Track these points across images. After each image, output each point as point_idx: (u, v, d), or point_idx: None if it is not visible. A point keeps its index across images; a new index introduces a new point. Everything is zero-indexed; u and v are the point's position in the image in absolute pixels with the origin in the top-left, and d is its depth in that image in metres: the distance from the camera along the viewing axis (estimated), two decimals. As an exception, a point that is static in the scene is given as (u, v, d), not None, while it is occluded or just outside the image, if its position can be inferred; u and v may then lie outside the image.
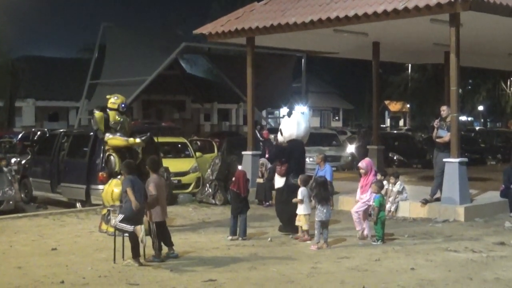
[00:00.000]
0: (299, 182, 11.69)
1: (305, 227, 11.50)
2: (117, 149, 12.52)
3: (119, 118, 12.62)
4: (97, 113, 12.61)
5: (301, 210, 11.50)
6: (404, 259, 9.99)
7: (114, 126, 12.59)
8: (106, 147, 12.75)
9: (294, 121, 12.60)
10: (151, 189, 9.84)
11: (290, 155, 12.45)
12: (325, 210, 10.94)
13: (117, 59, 36.33)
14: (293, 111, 12.87)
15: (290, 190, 12.08)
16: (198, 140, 25.78)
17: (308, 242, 11.28)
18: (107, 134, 12.56)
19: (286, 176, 12.32)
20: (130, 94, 31.30)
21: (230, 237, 11.69)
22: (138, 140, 12.69)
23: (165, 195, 10.48)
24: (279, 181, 12.59)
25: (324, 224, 10.97)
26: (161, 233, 10.07)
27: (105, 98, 13.31)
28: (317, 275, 8.99)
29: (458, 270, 9.25)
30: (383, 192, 14.21)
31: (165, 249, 10.14)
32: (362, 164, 12.09)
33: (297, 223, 11.64)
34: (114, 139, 12.54)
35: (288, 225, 12.16)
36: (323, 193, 11.05)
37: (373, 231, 11.43)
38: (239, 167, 17.23)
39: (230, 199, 15.75)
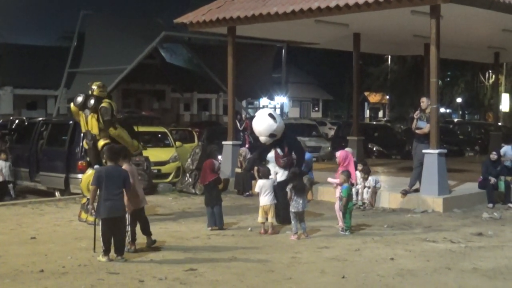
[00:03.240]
0: (260, 174, 11.94)
1: (259, 219, 11.51)
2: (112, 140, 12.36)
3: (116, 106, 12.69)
4: (106, 103, 12.35)
5: (260, 202, 11.59)
6: (383, 249, 10.05)
7: (116, 116, 12.52)
8: (100, 137, 12.46)
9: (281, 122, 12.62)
10: None
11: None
12: (301, 201, 10.99)
13: (97, 48, 36.04)
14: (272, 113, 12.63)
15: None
16: (177, 129, 25.70)
17: (274, 234, 11.30)
18: (113, 127, 12.44)
19: (289, 167, 12.40)
20: (110, 83, 31.09)
21: (210, 228, 11.70)
22: (141, 147, 12.97)
23: (138, 182, 10.20)
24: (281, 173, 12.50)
25: (299, 215, 11.00)
26: (135, 222, 9.95)
27: (84, 87, 13.18)
28: (297, 265, 9.03)
29: (437, 260, 9.33)
30: (367, 184, 14.38)
31: (144, 239, 10.12)
32: (337, 153, 12.63)
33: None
34: (123, 132, 12.48)
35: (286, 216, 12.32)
36: (300, 184, 11.12)
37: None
38: (219, 157, 17.28)
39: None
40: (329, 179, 12.09)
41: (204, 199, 12.11)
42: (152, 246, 10.05)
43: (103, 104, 12.31)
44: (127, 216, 9.80)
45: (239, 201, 15.49)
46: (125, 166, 9.77)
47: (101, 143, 12.31)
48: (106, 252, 9.15)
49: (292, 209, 10.99)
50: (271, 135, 12.34)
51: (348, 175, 11.59)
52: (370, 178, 14.47)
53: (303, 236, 10.92)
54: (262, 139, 12.49)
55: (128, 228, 9.80)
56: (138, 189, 10.00)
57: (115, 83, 33.52)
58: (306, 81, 75.00)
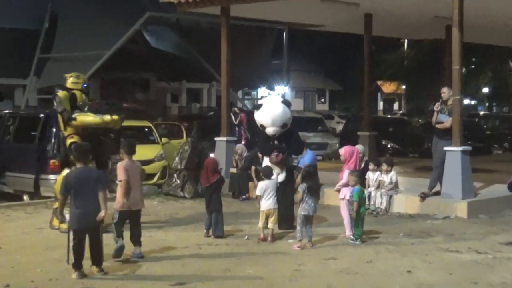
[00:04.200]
0: (261, 174, 12.03)
1: (260, 224, 11.56)
2: (82, 136, 12.31)
3: (86, 98, 12.56)
4: (61, 92, 12.41)
5: (261, 206, 11.63)
6: (399, 260, 10.04)
7: (82, 107, 12.48)
8: (67, 133, 12.46)
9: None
10: (119, 173, 9.92)
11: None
12: (312, 204, 10.99)
13: (72, 31, 36.01)
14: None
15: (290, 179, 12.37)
16: (164, 123, 25.68)
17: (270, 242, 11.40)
18: (75, 111, 12.38)
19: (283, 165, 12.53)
20: (86, 71, 31.05)
21: (205, 231, 11.75)
22: (115, 116, 12.53)
23: (138, 182, 10.38)
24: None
25: (309, 220, 11.00)
26: (123, 222, 10.11)
27: (57, 75, 13.23)
28: (300, 278, 9.01)
29: (460, 273, 9.32)
30: (375, 184, 14.38)
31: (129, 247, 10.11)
32: (341, 150, 12.62)
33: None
34: (84, 116, 12.37)
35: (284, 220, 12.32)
36: (315, 184, 11.15)
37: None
38: (211, 155, 17.24)
39: (201, 192, 15.85)
40: (337, 188, 12.13)
41: (205, 204, 12.04)
42: (135, 256, 10.06)
43: (57, 94, 12.34)
44: (115, 214, 10.04)
45: (234, 205, 15.45)
46: (126, 161, 10.08)
47: (67, 141, 12.32)
48: (77, 266, 9.01)
49: (302, 211, 10.97)
50: (284, 125, 12.49)
51: (358, 175, 11.57)
52: (392, 172, 14.47)
53: (308, 245, 10.89)
54: (272, 130, 12.56)
55: (113, 228, 10.07)
56: (138, 189, 10.23)
57: (92, 71, 33.49)
58: (311, 69, 74.97)
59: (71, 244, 9.11)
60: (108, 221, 10.06)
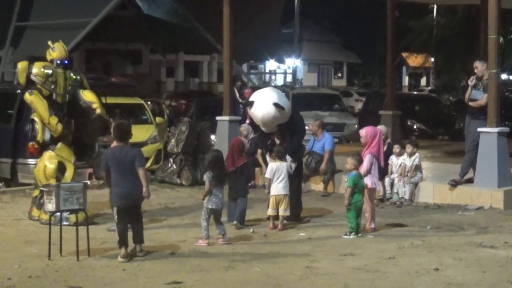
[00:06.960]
0: (273, 155, 12.24)
1: (270, 212, 11.86)
2: (58, 114, 12.36)
3: (46, 72, 12.30)
4: (21, 63, 12.45)
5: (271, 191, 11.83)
6: (425, 257, 10.08)
7: (37, 80, 12.33)
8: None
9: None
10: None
11: None
12: (221, 196, 11.02)
13: (52, -5, 36.01)
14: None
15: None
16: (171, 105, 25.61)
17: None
18: (28, 91, 12.32)
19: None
20: (69, 41, 31.03)
21: (233, 223, 11.96)
22: (59, 125, 12.26)
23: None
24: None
25: (218, 214, 10.99)
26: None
27: (36, 46, 13.23)
28: (313, 277, 9.05)
29: (496, 271, 9.35)
30: (400, 170, 14.39)
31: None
32: (362, 131, 12.65)
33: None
34: (39, 102, 12.30)
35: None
36: (222, 172, 11.21)
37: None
38: (213, 137, 17.33)
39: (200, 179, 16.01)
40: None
41: (229, 190, 12.21)
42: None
43: (18, 64, 12.46)
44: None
45: (238, 194, 15.50)
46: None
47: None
48: (122, 242, 9.80)
49: (209, 205, 10.87)
50: (279, 125, 12.49)
51: (360, 159, 11.57)
52: (416, 154, 14.48)
53: (221, 241, 10.87)
54: (265, 129, 12.60)
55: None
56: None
57: (76, 41, 33.45)
58: (326, 39, 74.91)
59: (115, 222, 9.96)
60: (95, 211, 10.17)
